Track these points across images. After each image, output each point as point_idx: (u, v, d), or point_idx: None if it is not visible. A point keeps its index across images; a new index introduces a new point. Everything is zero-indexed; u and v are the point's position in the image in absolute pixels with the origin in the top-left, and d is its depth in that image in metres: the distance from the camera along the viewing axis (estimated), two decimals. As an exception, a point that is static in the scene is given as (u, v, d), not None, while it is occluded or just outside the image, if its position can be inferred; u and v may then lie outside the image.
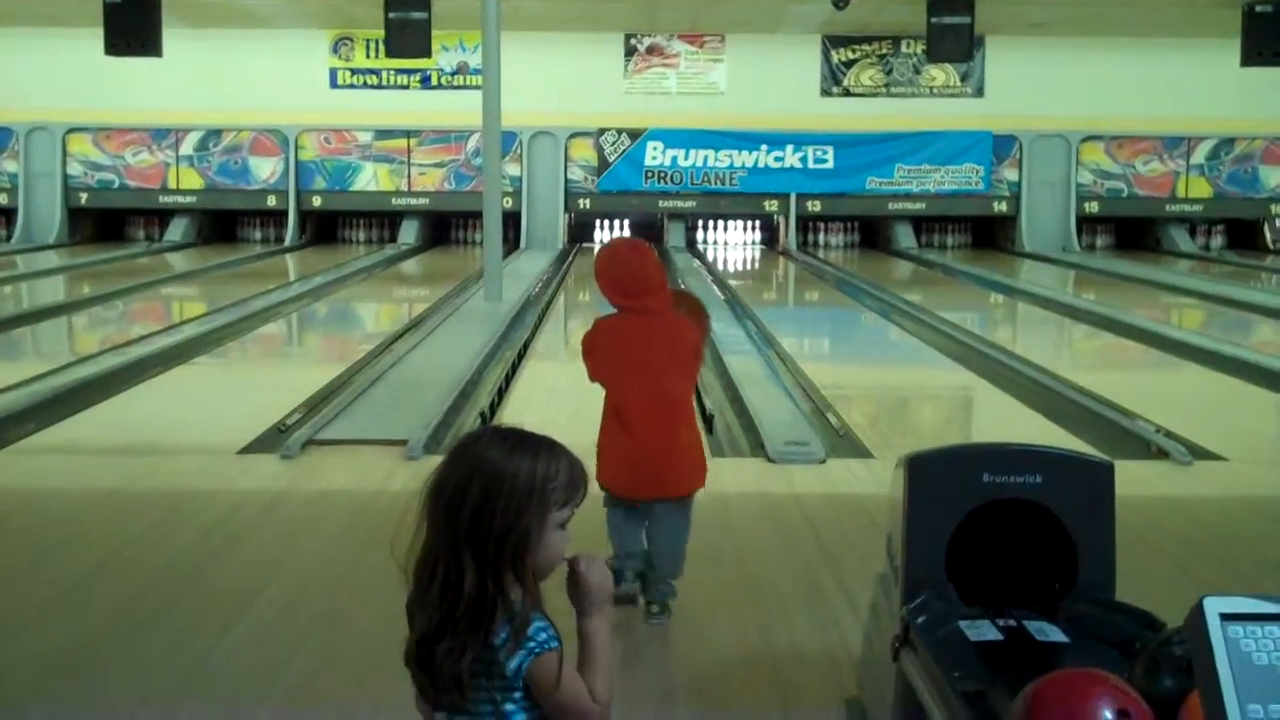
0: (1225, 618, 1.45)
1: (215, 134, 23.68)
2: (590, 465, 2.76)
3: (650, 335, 4.71)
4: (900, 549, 3.24)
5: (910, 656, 3.04)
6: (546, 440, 2.25)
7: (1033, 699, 2.34)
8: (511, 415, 8.81)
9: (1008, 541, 3.24)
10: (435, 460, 7.58)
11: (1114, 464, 3.28)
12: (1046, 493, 3.17)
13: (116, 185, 23.82)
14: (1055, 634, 2.98)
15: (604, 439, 4.75)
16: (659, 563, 4.68)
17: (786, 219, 24.05)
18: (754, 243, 25.11)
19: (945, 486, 3.21)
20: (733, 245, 24.98)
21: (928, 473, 3.23)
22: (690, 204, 24.05)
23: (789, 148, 23.67)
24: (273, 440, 7.73)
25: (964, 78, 23.84)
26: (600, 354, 4.77)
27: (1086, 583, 3.14)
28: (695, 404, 5.00)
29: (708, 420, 8.42)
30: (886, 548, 3.46)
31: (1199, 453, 7.45)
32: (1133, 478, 4.55)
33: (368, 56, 23.48)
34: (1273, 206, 24.10)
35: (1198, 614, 1.47)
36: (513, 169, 22.98)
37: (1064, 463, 3.28)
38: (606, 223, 24.61)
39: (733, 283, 18.58)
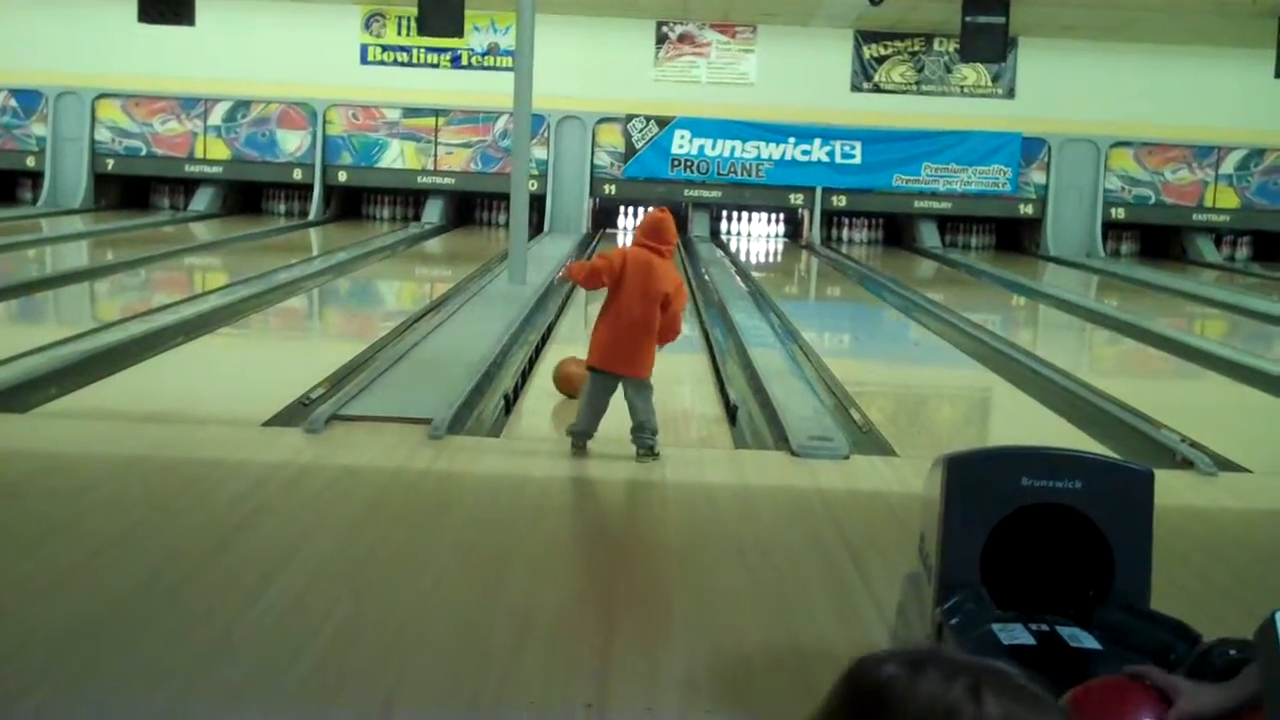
0: (1295, 630, 1.44)
1: (244, 105, 23.69)
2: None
3: (652, 266, 6.73)
4: (935, 549, 3.22)
5: (942, 657, 3.01)
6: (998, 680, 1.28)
7: (1072, 704, 2.33)
8: (534, 398, 8.81)
9: (1043, 545, 3.22)
10: (459, 440, 7.54)
11: (1154, 472, 3.27)
12: (1085, 499, 3.14)
13: (144, 153, 23.85)
14: (1088, 641, 2.96)
15: (597, 327, 6.80)
16: (642, 418, 6.67)
17: (811, 213, 24.01)
18: (778, 235, 25.05)
19: (984, 488, 3.19)
20: (756, 237, 24.91)
21: (967, 474, 3.21)
22: (715, 194, 23.99)
23: (816, 141, 23.61)
24: (296, 414, 7.74)
25: (995, 78, 23.75)
26: (617, 264, 6.73)
27: (1121, 590, 3.13)
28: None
29: (731, 411, 8.42)
30: (919, 546, 3.45)
31: (1222, 464, 7.41)
32: (1158, 487, 4.52)
33: (399, 34, 23.46)
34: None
35: (1269, 626, 1.47)
36: (539, 152, 22.93)
37: (1104, 469, 3.26)
38: (631, 209, 24.37)
39: (756, 275, 18.54)
